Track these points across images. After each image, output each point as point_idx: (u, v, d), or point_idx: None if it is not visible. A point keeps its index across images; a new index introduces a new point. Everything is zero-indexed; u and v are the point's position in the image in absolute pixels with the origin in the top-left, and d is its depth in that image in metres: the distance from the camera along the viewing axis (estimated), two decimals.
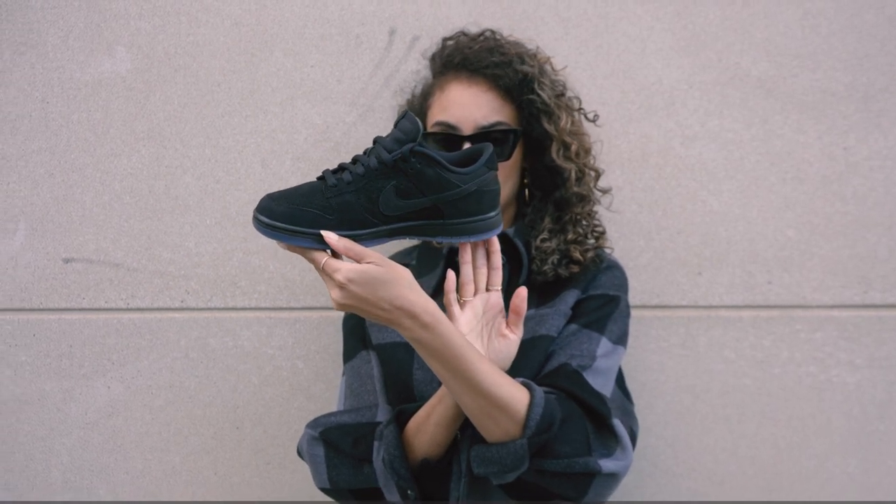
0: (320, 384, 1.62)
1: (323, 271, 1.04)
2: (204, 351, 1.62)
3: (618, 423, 1.16)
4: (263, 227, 1.03)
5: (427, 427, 1.16)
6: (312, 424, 1.27)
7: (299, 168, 1.59)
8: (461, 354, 1.07)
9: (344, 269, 1.02)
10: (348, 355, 1.34)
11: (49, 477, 1.66)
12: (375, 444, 1.18)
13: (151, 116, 1.60)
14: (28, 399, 1.65)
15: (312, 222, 1.03)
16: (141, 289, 1.62)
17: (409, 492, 1.15)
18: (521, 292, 1.13)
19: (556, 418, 1.11)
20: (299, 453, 1.31)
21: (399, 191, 1.05)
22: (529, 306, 1.28)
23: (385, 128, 1.58)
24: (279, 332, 1.61)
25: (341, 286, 1.02)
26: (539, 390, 1.12)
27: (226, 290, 1.62)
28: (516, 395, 1.10)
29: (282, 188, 1.58)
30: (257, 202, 1.05)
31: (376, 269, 1.02)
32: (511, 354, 1.15)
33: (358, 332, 1.34)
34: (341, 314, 1.50)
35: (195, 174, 1.60)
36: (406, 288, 1.04)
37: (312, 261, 1.04)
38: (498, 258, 1.15)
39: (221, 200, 1.61)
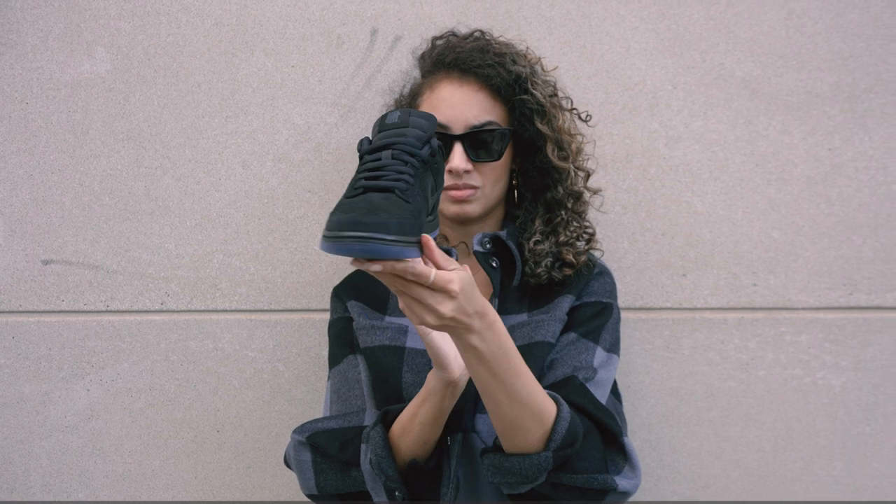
0: (301, 387, 1.61)
1: (433, 286, 0.92)
2: (184, 353, 1.61)
3: (628, 442, 1.17)
4: (385, 244, 0.87)
5: (413, 427, 1.14)
6: (299, 430, 1.26)
7: (280, 169, 1.58)
8: (512, 357, 1.04)
9: (455, 277, 0.92)
10: (335, 360, 1.33)
11: (28, 480, 1.65)
12: (362, 446, 1.17)
13: (131, 117, 1.59)
14: (6, 402, 1.64)
15: (419, 229, 0.92)
16: (120, 291, 1.61)
17: (396, 493, 1.14)
18: (425, 239, 0.98)
19: (580, 435, 1.10)
20: (286, 462, 1.29)
21: (431, 187, 1.01)
22: (522, 311, 1.27)
23: (367, 128, 1.56)
24: (260, 335, 1.60)
25: (455, 297, 0.93)
26: (566, 405, 1.10)
27: (206, 292, 1.60)
28: (547, 406, 1.08)
29: (262, 189, 1.59)
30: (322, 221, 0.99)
31: (467, 272, 0.96)
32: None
33: (345, 337, 1.33)
34: (325, 317, 1.48)
35: (175, 175, 1.59)
36: (477, 288, 0.99)
37: (417, 276, 0.91)
38: None
39: (202, 202, 1.59)
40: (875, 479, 1.59)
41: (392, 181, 0.94)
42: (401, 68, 1.51)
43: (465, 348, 1.01)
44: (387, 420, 1.18)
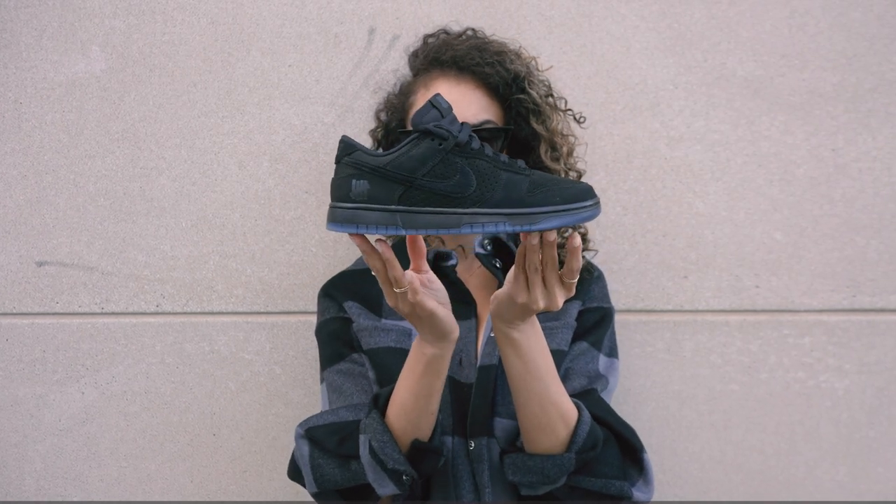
0: (298, 390, 1.59)
1: (568, 285, 1.00)
2: (180, 356, 1.59)
3: (648, 459, 1.20)
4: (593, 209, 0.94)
5: (417, 403, 1.10)
6: (302, 424, 1.23)
7: (277, 170, 1.56)
8: (546, 355, 1.09)
9: None
10: (332, 360, 1.30)
11: (22, 484, 1.63)
12: (361, 437, 1.14)
13: (126, 117, 1.57)
14: (0, 405, 1.62)
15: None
16: (115, 293, 1.59)
17: (404, 476, 1.10)
18: (414, 237, 1.03)
19: (600, 440, 1.14)
20: (291, 471, 1.25)
21: None
22: None
23: (365, 129, 1.54)
24: (256, 337, 1.58)
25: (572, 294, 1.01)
26: (587, 411, 1.15)
27: (202, 294, 1.58)
28: (571, 408, 1.13)
29: (259, 190, 1.57)
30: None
31: None
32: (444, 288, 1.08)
33: (343, 337, 1.30)
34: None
35: (171, 176, 1.57)
36: None
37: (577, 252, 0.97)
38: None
39: (198, 203, 1.57)
40: (879, 483, 1.58)
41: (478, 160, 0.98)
42: (398, 68, 1.50)
43: (509, 342, 1.06)
44: (378, 404, 1.15)
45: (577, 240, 0.95)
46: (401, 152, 0.96)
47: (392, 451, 1.10)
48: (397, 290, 0.99)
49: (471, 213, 0.94)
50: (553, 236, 0.95)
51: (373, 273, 1.01)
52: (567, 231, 0.99)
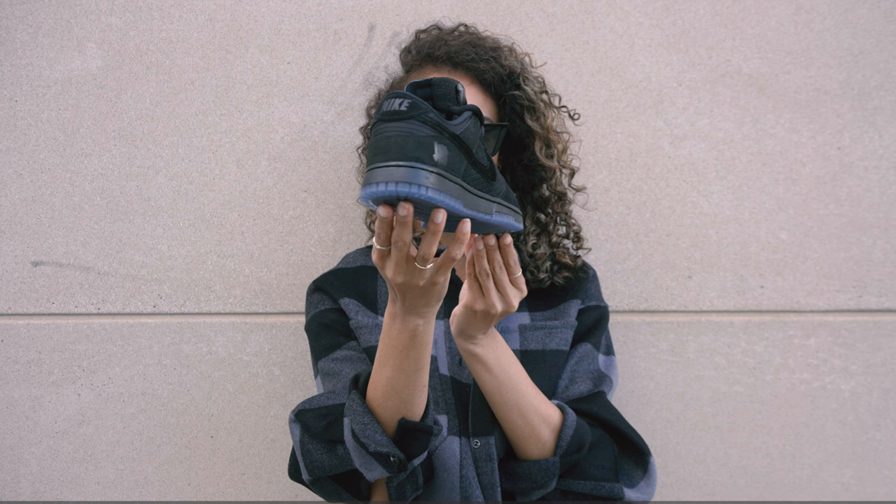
0: (297, 391, 1.57)
1: (517, 281, 1.04)
2: (177, 357, 1.57)
3: (653, 463, 1.22)
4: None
5: (409, 379, 1.05)
6: (296, 407, 1.20)
7: (276, 168, 1.54)
8: (514, 364, 1.12)
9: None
10: (328, 349, 1.25)
11: (18, 487, 1.61)
12: (345, 420, 1.09)
13: (123, 115, 1.55)
14: None
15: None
16: (112, 293, 1.57)
17: (391, 458, 1.05)
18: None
19: (586, 441, 1.15)
20: (293, 466, 1.21)
21: None
22: (522, 310, 1.28)
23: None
24: (255, 338, 1.56)
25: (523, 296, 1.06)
26: (571, 412, 1.16)
27: (199, 294, 1.56)
28: (553, 414, 1.14)
29: (257, 189, 1.55)
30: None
31: None
32: None
33: (339, 327, 1.27)
34: None
35: (168, 175, 1.55)
36: None
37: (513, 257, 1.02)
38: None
39: (195, 202, 1.56)
40: (885, 485, 1.56)
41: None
42: (389, 64, 1.48)
43: (475, 359, 1.09)
44: (359, 385, 1.10)
45: (509, 237, 0.99)
46: (465, 126, 0.86)
47: (374, 433, 1.05)
48: (424, 267, 0.90)
49: (496, 202, 0.94)
50: (494, 240, 0.98)
51: (388, 248, 0.90)
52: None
